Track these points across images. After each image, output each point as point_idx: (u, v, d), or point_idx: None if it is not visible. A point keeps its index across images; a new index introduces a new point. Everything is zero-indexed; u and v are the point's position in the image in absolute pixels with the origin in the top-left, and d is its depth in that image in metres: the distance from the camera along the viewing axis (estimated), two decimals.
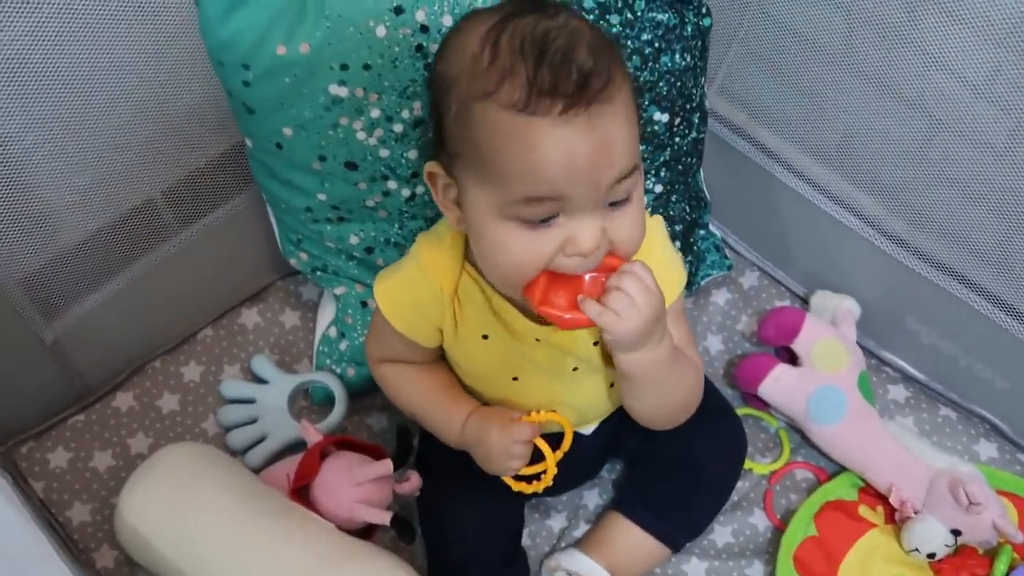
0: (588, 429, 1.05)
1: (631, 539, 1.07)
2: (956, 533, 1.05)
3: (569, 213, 0.78)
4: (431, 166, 0.84)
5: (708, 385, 1.12)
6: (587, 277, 0.81)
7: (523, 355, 0.94)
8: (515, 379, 0.96)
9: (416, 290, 0.93)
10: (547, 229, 0.78)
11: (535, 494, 0.96)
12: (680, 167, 1.16)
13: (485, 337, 0.94)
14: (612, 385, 1.01)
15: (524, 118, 0.74)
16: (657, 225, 0.94)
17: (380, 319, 0.97)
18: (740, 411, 1.19)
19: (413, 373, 1.01)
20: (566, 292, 0.81)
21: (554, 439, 0.96)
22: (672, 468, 1.07)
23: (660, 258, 0.91)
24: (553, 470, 0.95)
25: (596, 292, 0.81)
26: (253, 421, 1.16)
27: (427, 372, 1.01)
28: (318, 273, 1.16)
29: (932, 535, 1.05)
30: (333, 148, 1.01)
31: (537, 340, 0.92)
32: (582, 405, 1.01)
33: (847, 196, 1.19)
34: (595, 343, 0.93)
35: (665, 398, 0.94)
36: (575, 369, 0.96)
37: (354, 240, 1.11)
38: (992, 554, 1.07)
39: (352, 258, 1.14)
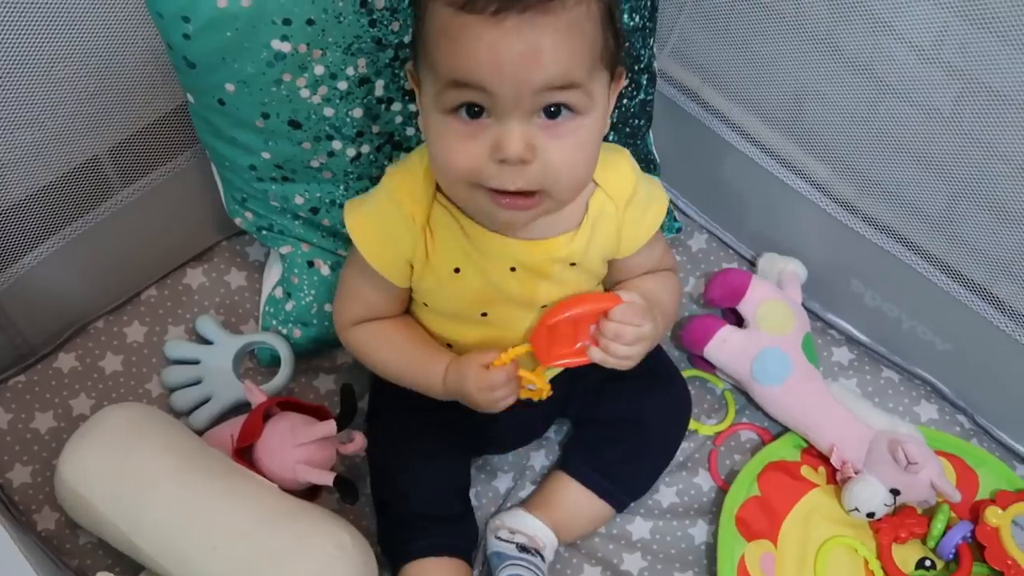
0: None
1: (575, 498, 1.07)
2: (895, 493, 1.07)
3: (498, 116, 0.80)
4: (409, 66, 0.88)
5: (656, 347, 1.14)
6: (591, 329, 0.91)
7: (495, 287, 0.94)
8: (484, 315, 0.97)
9: (387, 220, 0.93)
10: (479, 129, 0.81)
11: (540, 400, 0.97)
12: (628, 129, 1.15)
13: (457, 271, 0.93)
14: None
15: (461, 15, 0.77)
16: (626, 156, 0.96)
17: (351, 269, 0.98)
18: (686, 373, 1.20)
19: (384, 333, 1.00)
20: (568, 342, 0.91)
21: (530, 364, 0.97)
22: (618, 429, 1.08)
23: (642, 197, 0.95)
24: (546, 388, 0.95)
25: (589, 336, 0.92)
26: (197, 382, 1.15)
27: (398, 330, 1.00)
28: (264, 232, 1.15)
29: (871, 495, 1.07)
30: (276, 106, 0.99)
31: (512, 269, 0.93)
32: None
33: (796, 160, 1.19)
34: (572, 264, 0.94)
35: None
36: (544, 306, 0.96)
37: (299, 200, 1.10)
38: (930, 514, 1.08)
39: (298, 218, 1.12)
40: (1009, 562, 1.03)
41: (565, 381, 1.05)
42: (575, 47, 0.80)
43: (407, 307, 1.02)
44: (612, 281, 1.03)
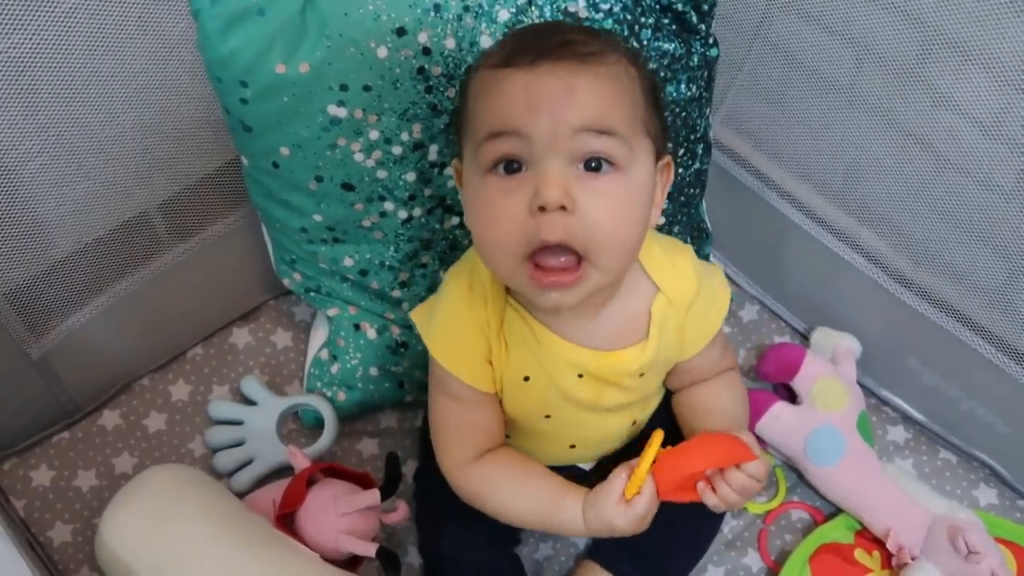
0: (587, 465, 1.05)
1: None
2: None
3: (535, 163, 0.78)
4: (455, 162, 0.88)
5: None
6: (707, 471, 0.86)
7: (562, 393, 0.92)
8: (547, 417, 0.95)
9: (466, 329, 0.90)
10: (517, 184, 0.79)
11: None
12: (683, 198, 1.14)
13: (526, 379, 0.92)
14: (634, 423, 1.01)
15: (499, 71, 0.79)
16: (688, 256, 0.94)
17: (440, 402, 0.94)
18: None
19: (500, 479, 0.94)
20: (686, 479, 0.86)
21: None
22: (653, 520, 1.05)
23: (704, 296, 0.93)
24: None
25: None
26: (241, 443, 1.14)
27: (513, 472, 0.94)
28: (311, 294, 1.14)
29: None
30: (330, 169, 0.99)
31: (580, 376, 0.91)
32: (602, 441, 1.01)
33: (850, 231, 1.17)
34: (640, 374, 0.93)
35: None
36: (608, 411, 0.95)
37: (348, 262, 1.09)
38: None
39: (346, 280, 1.12)
40: None
41: (612, 459, 1.03)
42: (613, 93, 0.79)
43: (504, 427, 0.97)
44: (674, 382, 1.01)
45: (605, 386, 0.93)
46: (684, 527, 1.06)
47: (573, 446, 1.00)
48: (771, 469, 1.17)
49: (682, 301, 0.92)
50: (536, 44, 0.79)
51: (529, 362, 0.90)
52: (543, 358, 0.90)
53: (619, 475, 0.87)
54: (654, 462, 0.85)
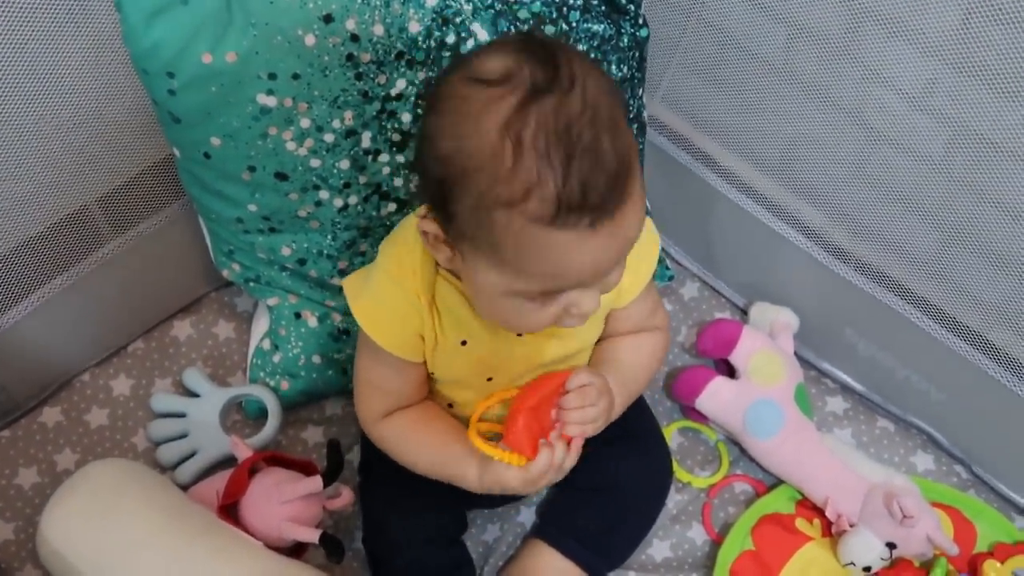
0: None
1: (553, 566, 1.05)
2: (891, 546, 1.05)
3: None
4: (428, 225, 0.82)
5: (638, 407, 1.13)
6: (552, 413, 0.89)
7: (501, 354, 0.93)
8: (489, 379, 0.96)
9: (393, 300, 0.91)
10: (554, 300, 0.80)
11: None
12: None
13: (464, 343, 0.92)
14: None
15: (553, 232, 0.73)
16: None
17: (365, 358, 0.96)
18: (678, 424, 1.19)
19: (410, 431, 0.98)
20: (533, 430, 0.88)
21: None
22: (596, 494, 1.06)
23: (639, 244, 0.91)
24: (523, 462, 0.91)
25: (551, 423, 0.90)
26: (184, 436, 1.13)
27: (423, 427, 0.98)
28: (251, 284, 1.14)
29: (867, 548, 1.05)
30: (263, 158, 0.99)
31: (519, 335, 0.92)
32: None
33: (788, 207, 1.18)
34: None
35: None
36: (548, 363, 0.96)
37: (286, 251, 1.09)
38: (928, 567, 1.06)
39: (285, 269, 1.11)
40: None
41: None
42: (644, 203, 0.79)
43: (427, 389, 1.00)
44: (604, 330, 1.02)
45: (545, 339, 0.93)
46: (630, 503, 1.08)
47: (490, 379, 0.99)
48: (714, 444, 1.19)
49: None
50: (584, 198, 0.71)
51: (465, 328, 0.91)
52: (479, 324, 0.90)
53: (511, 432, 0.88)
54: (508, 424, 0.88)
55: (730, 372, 1.18)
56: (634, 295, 0.98)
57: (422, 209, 0.84)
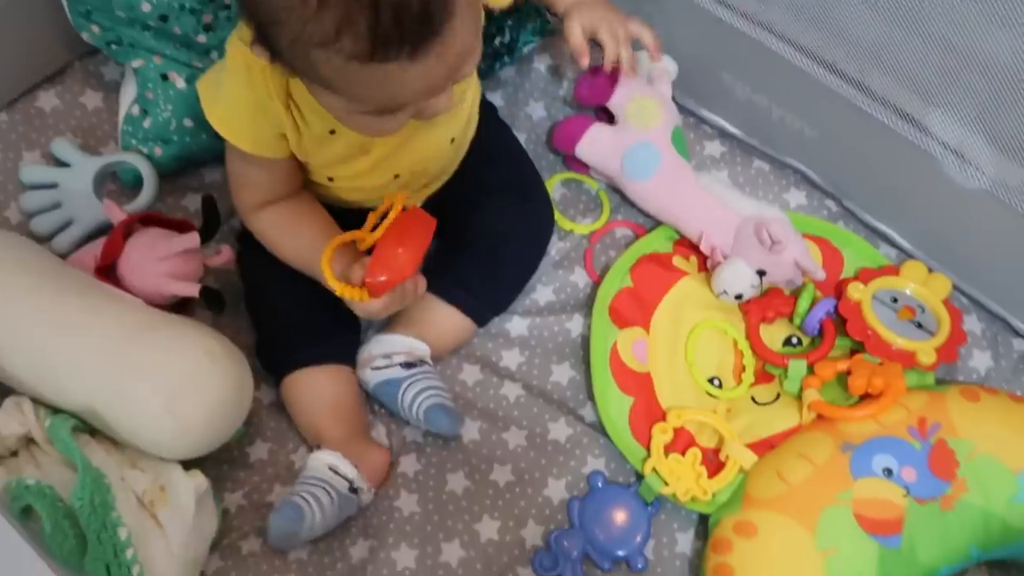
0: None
1: (439, 314, 1.08)
2: (762, 274, 1.09)
3: None
4: (259, 52, 0.80)
5: (522, 163, 1.15)
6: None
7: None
8: (366, 153, 0.96)
9: (249, 106, 0.90)
10: (404, 109, 0.83)
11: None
12: None
13: (332, 132, 0.92)
14: (452, 140, 1.02)
15: (375, 66, 0.74)
16: None
17: (231, 155, 0.97)
18: (560, 176, 1.20)
19: (282, 226, 1.00)
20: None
21: None
22: (478, 243, 1.08)
23: None
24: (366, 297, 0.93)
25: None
26: (58, 206, 1.11)
27: (295, 222, 0.99)
28: (113, 47, 1.10)
29: (739, 276, 1.08)
30: None
31: None
32: (424, 164, 1.02)
33: None
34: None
35: None
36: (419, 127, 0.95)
37: (146, 7, 1.05)
38: (797, 293, 1.11)
39: (147, 28, 1.07)
40: (869, 332, 1.06)
41: (440, 199, 1.07)
42: (476, 17, 0.79)
43: (303, 178, 1.00)
44: None
45: None
46: (512, 251, 1.10)
47: (397, 175, 1.00)
48: (595, 192, 1.21)
49: None
50: (399, 29, 0.72)
51: (330, 118, 0.90)
52: None
53: (357, 271, 0.90)
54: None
55: (610, 121, 1.18)
56: None
57: (247, 35, 0.83)
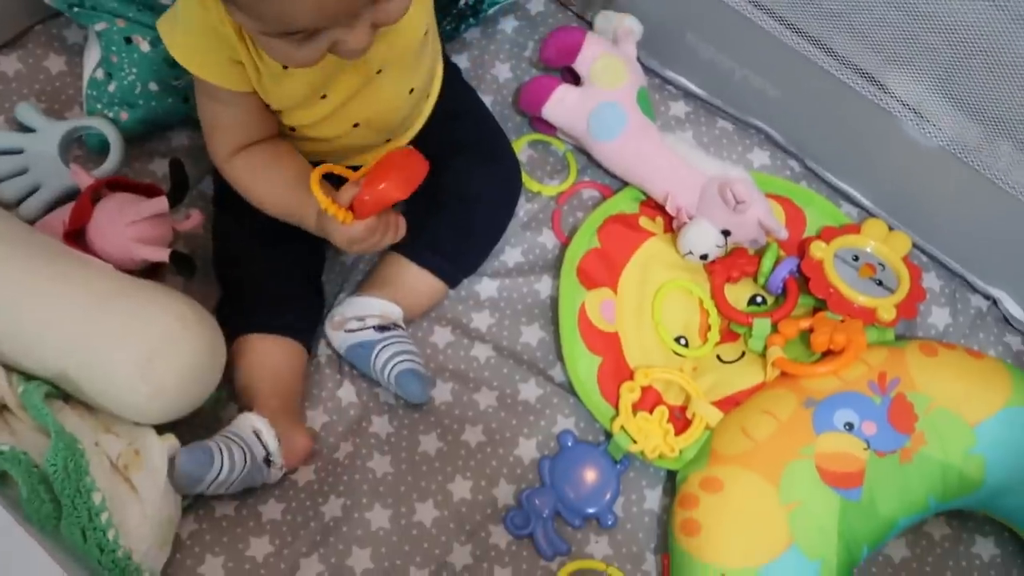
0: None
1: (409, 276, 1.08)
2: (727, 234, 1.10)
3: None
4: None
5: (489, 124, 1.15)
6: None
7: (326, 70, 0.93)
8: (323, 97, 0.96)
9: (204, 32, 0.90)
10: (315, 39, 0.81)
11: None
12: None
13: (285, 68, 0.92)
14: (412, 90, 1.02)
15: None
16: None
17: (199, 98, 0.98)
18: (527, 138, 1.21)
19: (257, 171, 0.99)
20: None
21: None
22: (448, 204, 1.09)
23: None
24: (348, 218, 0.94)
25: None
26: (24, 172, 1.10)
27: (269, 167, 0.99)
28: (75, 10, 1.08)
29: (704, 237, 1.10)
30: None
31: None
32: (385, 115, 1.02)
33: None
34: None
35: None
36: (379, 72, 0.96)
37: None
38: (761, 253, 1.13)
39: None
40: (831, 290, 1.08)
41: None
42: None
43: (275, 125, 1.00)
44: None
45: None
46: (481, 212, 1.11)
47: (356, 124, 1.01)
48: (562, 154, 1.22)
49: None
50: None
51: None
52: None
53: (346, 191, 0.92)
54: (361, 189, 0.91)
55: (576, 83, 1.19)
56: None
57: None
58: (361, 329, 1.05)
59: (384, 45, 0.93)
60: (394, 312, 1.07)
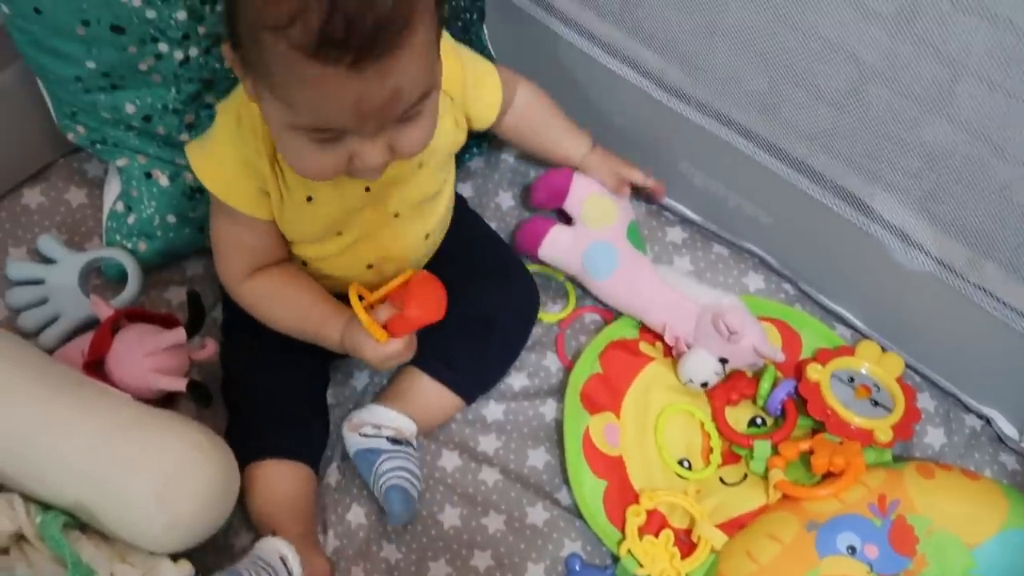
0: None
1: (428, 391, 1.11)
2: (724, 361, 1.14)
3: (353, 135, 0.82)
4: (226, 51, 0.84)
5: (498, 244, 1.19)
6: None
7: (348, 208, 0.97)
8: (339, 233, 1.00)
9: (235, 159, 0.94)
10: (335, 145, 0.82)
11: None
12: (460, 23, 1.17)
13: (309, 199, 0.95)
14: (427, 236, 1.06)
15: (315, 64, 0.75)
16: (445, 40, 0.94)
17: (217, 219, 1.00)
18: (528, 267, 1.24)
19: (274, 291, 1.02)
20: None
21: None
22: (467, 324, 1.11)
23: (472, 71, 1.02)
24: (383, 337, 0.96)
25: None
26: (44, 302, 1.14)
27: (286, 286, 1.02)
28: (98, 146, 1.13)
29: (703, 366, 1.13)
30: (95, 10, 0.98)
31: (367, 189, 0.96)
32: (399, 258, 1.05)
33: (627, 50, 1.22)
34: (420, 165, 0.98)
35: None
36: (396, 216, 1.00)
37: (131, 109, 1.09)
38: (759, 375, 1.16)
39: (131, 128, 1.11)
40: (829, 412, 1.11)
41: None
42: (428, 62, 0.81)
43: (287, 251, 1.03)
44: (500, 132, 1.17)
45: (390, 187, 0.97)
46: (499, 331, 1.14)
47: (371, 266, 1.04)
48: (560, 284, 1.26)
49: (454, 87, 0.98)
50: (348, 34, 0.73)
51: (310, 183, 0.94)
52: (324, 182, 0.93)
53: (383, 311, 0.94)
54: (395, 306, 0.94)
55: (569, 221, 1.23)
56: (492, 116, 1.07)
57: (237, 99, 0.90)
58: (375, 436, 1.08)
59: (405, 190, 0.98)
60: (409, 429, 1.09)
